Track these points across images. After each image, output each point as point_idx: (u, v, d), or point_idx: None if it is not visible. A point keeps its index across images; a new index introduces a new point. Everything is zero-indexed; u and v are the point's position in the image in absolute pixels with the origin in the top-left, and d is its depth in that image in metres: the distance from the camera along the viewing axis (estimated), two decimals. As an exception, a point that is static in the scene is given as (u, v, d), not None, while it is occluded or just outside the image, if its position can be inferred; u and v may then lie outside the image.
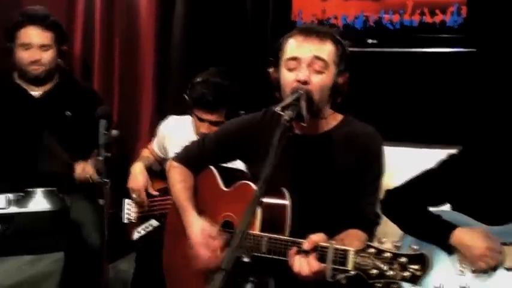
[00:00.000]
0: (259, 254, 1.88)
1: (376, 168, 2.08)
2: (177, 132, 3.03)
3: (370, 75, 3.25)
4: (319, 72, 1.98)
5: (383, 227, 2.32)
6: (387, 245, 1.56)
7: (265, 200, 1.95)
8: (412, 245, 1.56)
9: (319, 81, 1.97)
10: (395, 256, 1.53)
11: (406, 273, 1.50)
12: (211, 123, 2.79)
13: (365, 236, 1.98)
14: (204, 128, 2.79)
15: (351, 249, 1.61)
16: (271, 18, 3.44)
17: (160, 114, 3.51)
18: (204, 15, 3.62)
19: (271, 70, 2.09)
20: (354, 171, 2.04)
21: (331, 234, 1.87)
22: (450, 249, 2.25)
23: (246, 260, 1.80)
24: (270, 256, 1.85)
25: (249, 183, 2.07)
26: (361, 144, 2.07)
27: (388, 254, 1.54)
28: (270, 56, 2.10)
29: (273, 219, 1.95)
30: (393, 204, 2.39)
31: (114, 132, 2.37)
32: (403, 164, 2.91)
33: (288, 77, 2.00)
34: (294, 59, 1.99)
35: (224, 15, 3.59)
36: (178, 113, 3.11)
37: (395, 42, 3.20)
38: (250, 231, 1.91)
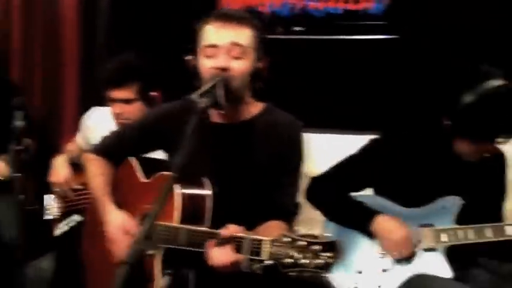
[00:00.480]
0: (177, 247, 1.85)
1: (295, 158, 2.07)
2: (100, 124, 2.93)
3: (297, 63, 3.27)
4: (238, 58, 1.94)
5: (308, 214, 2.34)
6: (302, 234, 1.55)
7: (186, 190, 1.93)
8: (324, 233, 1.55)
9: (239, 67, 1.94)
10: (309, 244, 1.53)
11: (319, 261, 1.51)
12: (123, 101, 2.70)
13: (285, 226, 1.97)
14: (117, 108, 2.71)
15: (266, 239, 1.61)
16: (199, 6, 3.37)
17: (84, 107, 3.40)
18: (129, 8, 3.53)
19: (189, 57, 2.04)
20: (274, 161, 2.02)
21: (252, 225, 1.88)
22: (371, 235, 2.27)
23: (151, 252, 1.75)
24: (189, 248, 1.83)
25: (169, 173, 2.02)
26: (281, 134, 2.05)
27: (302, 243, 1.54)
28: (187, 43, 2.05)
29: (193, 210, 1.92)
30: (317, 191, 2.40)
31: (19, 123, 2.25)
32: (327, 150, 2.94)
33: (206, 64, 1.96)
34: (212, 46, 1.95)
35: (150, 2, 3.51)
36: (103, 105, 3.02)
37: (320, 30, 3.21)
38: (168, 223, 1.88)
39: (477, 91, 2.09)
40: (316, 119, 3.24)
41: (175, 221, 1.89)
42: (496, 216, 2.31)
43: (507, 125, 2.12)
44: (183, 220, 1.89)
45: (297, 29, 3.22)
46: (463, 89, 2.13)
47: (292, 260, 1.53)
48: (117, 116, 2.71)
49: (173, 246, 1.86)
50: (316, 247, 1.52)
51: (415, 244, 2.24)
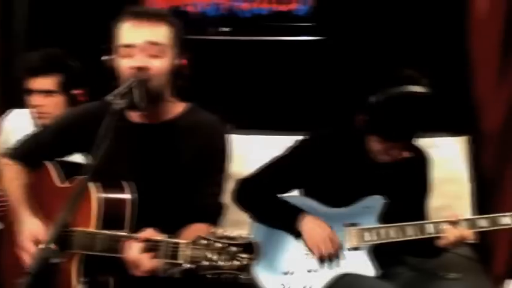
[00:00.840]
0: (95, 253, 1.80)
1: (219, 159, 2.05)
2: (20, 127, 2.82)
3: (223, 63, 3.25)
4: (156, 56, 1.91)
5: (234, 216, 2.32)
6: (219, 235, 1.53)
7: (104, 194, 1.88)
8: (242, 234, 1.54)
9: (157, 66, 1.91)
10: (226, 246, 1.52)
11: (236, 263, 1.50)
12: (44, 93, 2.60)
13: (209, 228, 1.94)
14: (37, 100, 2.60)
15: (183, 242, 1.58)
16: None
17: (3, 109, 3.26)
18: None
19: (106, 58, 1.99)
20: (197, 162, 2.00)
21: (177, 228, 1.85)
22: (298, 234, 2.29)
23: (56, 261, 1.69)
24: (107, 254, 1.78)
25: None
26: (204, 134, 2.03)
27: (219, 245, 1.52)
28: (104, 43, 1.99)
29: (112, 215, 1.87)
30: (244, 193, 2.40)
31: None
32: (254, 152, 2.93)
33: (124, 64, 1.91)
34: (128, 45, 1.90)
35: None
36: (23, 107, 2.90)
37: (246, 31, 3.20)
38: (85, 229, 1.83)
39: (394, 91, 2.13)
40: (244, 120, 3.25)
41: (92, 227, 1.84)
42: (419, 214, 2.36)
43: (414, 128, 2.19)
44: (102, 225, 1.84)
45: (224, 29, 3.19)
46: (381, 87, 2.17)
47: (209, 263, 1.51)
48: (35, 110, 2.60)
49: (91, 253, 1.81)
50: (234, 249, 1.51)
51: (339, 244, 2.25)
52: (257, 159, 2.51)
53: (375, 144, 2.27)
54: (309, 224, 2.27)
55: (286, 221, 2.31)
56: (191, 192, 1.99)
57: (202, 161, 2.00)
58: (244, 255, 1.50)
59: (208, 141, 2.02)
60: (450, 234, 2.19)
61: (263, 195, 2.38)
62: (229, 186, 2.25)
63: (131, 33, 1.91)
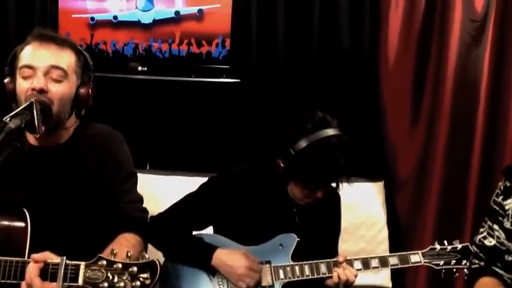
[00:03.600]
0: None
1: (123, 165, 2.02)
2: None
3: (139, 102, 3.22)
4: (57, 81, 1.86)
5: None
6: (120, 255, 1.46)
7: (1, 222, 1.80)
8: (144, 253, 1.47)
9: (58, 91, 1.86)
10: (126, 266, 1.46)
11: (137, 283, 1.45)
12: None
13: (135, 237, 1.93)
14: None
15: (82, 263, 1.51)
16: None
17: None
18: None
19: (6, 80, 1.92)
20: (102, 174, 1.96)
21: (93, 246, 1.76)
22: (213, 271, 2.23)
23: None
24: (4, 281, 1.69)
25: None
26: (101, 145, 2.00)
27: (118, 265, 1.46)
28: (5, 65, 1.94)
29: (8, 243, 1.78)
30: (157, 230, 2.31)
31: None
32: (168, 192, 2.87)
33: (23, 86, 1.85)
34: (29, 67, 1.85)
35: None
36: None
37: (164, 71, 3.21)
38: None
39: (310, 138, 2.14)
40: (158, 161, 3.21)
41: None
42: (331, 252, 2.35)
43: (335, 173, 2.19)
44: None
45: (140, 68, 3.18)
46: (297, 134, 2.17)
47: (108, 284, 1.44)
48: None
49: None
50: (135, 269, 1.45)
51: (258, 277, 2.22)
52: (171, 199, 2.45)
53: (295, 190, 2.26)
54: (226, 258, 2.21)
55: (200, 258, 2.25)
56: (106, 204, 1.94)
57: (107, 172, 1.96)
58: (145, 275, 1.44)
59: (107, 152, 1.99)
60: (336, 275, 2.19)
61: (175, 232, 2.31)
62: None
63: (35, 55, 1.87)
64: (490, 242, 1.95)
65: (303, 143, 2.12)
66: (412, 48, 3.27)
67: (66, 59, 1.89)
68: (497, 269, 1.92)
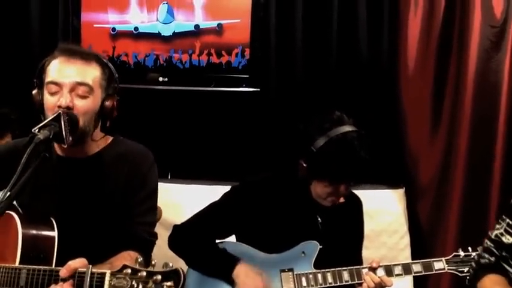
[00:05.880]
0: None
1: (147, 187, 2.01)
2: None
3: (160, 112, 3.25)
4: (83, 97, 1.88)
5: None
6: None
7: (28, 230, 1.81)
8: (167, 262, 1.49)
9: (83, 106, 1.87)
10: (150, 274, 1.46)
11: None
12: None
13: (137, 255, 1.88)
14: None
15: (107, 272, 1.52)
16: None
17: None
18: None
19: (34, 92, 1.95)
20: (124, 192, 1.96)
21: (103, 256, 1.80)
22: (232, 282, 2.24)
23: None
24: None
25: (12, 213, 1.86)
26: (130, 163, 1.99)
27: (143, 273, 1.47)
28: (34, 77, 1.96)
29: (37, 251, 1.79)
30: (180, 239, 2.35)
31: None
32: (190, 201, 2.90)
33: (50, 101, 1.88)
34: (56, 83, 1.88)
35: (9, 49, 3.42)
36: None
37: (184, 81, 3.24)
38: (8, 264, 1.75)
39: (329, 135, 2.17)
40: (181, 170, 3.24)
41: (16, 263, 1.75)
42: (354, 259, 2.35)
43: (355, 165, 2.20)
44: (26, 261, 1.75)
45: (161, 79, 3.21)
46: (316, 133, 2.20)
47: (134, 292, 1.44)
48: None
49: None
50: (159, 277, 1.45)
51: None
52: (192, 207, 2.47)
53: (319, 189, 2.27)
54: (241, 276, 2.22)
55: (221, 269, 2.26)
56: (121, 221, 1.94)
57: (130, 189, 1.97)
58: (169, 283, 1.44)
59: (134, 170, 1.99)
60: (370, 280, 2.19)
61: (197, 241, 2.33)
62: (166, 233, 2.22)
63: (61, 71, 1.88)
64: (508, 239, 1.94)
65: (322, 140, 2.15)
66: (431, 55, 3.27)
67: (92, 74, 1.91)
68: (507, 266, 1.92)
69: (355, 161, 2.18)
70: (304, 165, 2.24)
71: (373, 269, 2.21)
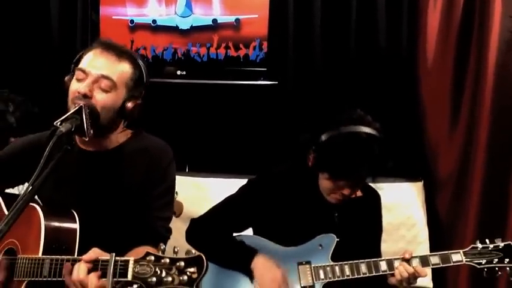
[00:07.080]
0: (41, 279, 1.73)
1: (165, 182, 2.02)
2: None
3: (178, 106, 3.26)
4: (104, 90, 1.89)
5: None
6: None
7: (51, 222, 1.83)
8: (189, 249, 1.50)
9: (102, 100, 1.88)
10: (173, 261, 1.48)
11: (184, 277, 1.46)
12: None
13: (160, 243, 1.90)
14: None
15: (131, 259, 1.53)
16: (79, 45, 3.33)
17: None
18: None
19: (67, 78, 1.97)
20: (143, 186, 1.97)
21: (123, 252, 1.79)
22: (251, 274, 2.25)
23: None
24: (54, 279, 1.71)
25: (34, 205, 1.90)
26: (150, 158, 2.00)
27: (166, 260, 1.49)
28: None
29: (60, 243, 1.82)
30: (197, 233, 2.37)
31: None
32: (209, 194, 2.91)
33: (73, 86, 1.90)
34: (83, 71, 1.90)
35: (29, 43, 3.43)
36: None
37: (202, 74, 3.25)
38: (31, 255, 1.78)
39: (342, 129, 2.16)
40: (200, 163, 3.24)
41: (39, 254, 1.77)
42: (372, 253, 2.34)
43: (357, 166, 2.18)
44: (49, 253, 1.78)
45: (179, 72, 3.22)
46: (332, 124, 2.20)
47: (156, 279, 1.47)
48: None
49: (38, 279, 1.74)
50: (182, 263, 1.47)
51: (292, 283, 2.22)
52: (209, 200, 2.48)
53: (324, 182, 2.28)
54: (260, 265, 2.23)
55: (240, 261, 2.27)
56: (139, 215, 1.95)
57: (149, 184, 1.98)
58: (192, 270, 1.46)
59: (154, 165, 2.00)
60: (403, 270, 2.18)
61: (215, 234, 2.34)
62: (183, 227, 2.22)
63: (92, 61, 1.91)
64: None
65: (332, 133, 2.16)
66: (451, 47, 3.25)
67: (120, 70, 1.91)
68: None
69: (358, 162, 2.16)
70: (312, 154, 2.24)
71: (406, 260, 2.20)
